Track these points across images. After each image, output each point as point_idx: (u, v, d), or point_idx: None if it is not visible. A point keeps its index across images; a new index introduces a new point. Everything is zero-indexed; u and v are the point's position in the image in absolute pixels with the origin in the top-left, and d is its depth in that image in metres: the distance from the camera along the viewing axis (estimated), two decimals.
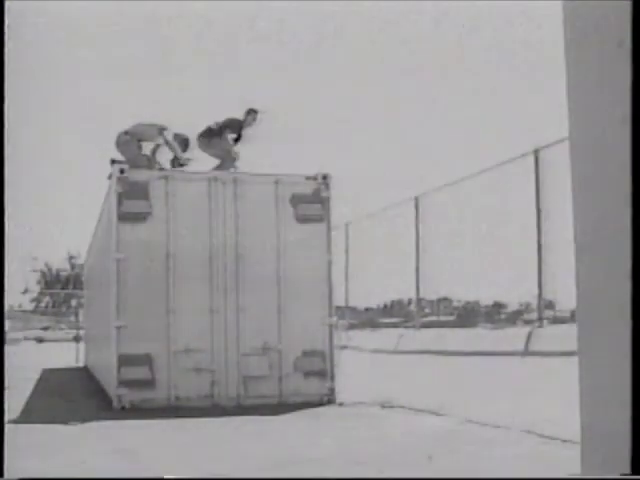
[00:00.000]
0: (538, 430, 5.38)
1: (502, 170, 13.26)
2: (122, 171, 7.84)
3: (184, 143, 8.84)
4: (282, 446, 5.29)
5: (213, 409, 7.45)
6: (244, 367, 7.80)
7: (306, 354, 7.98)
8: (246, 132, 8.98)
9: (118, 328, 7.69)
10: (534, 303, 12.58)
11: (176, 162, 8.72)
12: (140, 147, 8.70)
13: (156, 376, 7.69)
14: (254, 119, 8.97)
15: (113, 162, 8.55)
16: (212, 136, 8.80)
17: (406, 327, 18.18)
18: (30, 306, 58.67)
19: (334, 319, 8.29)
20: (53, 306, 57.78)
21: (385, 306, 23.21)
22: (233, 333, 7.82)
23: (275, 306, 7.94)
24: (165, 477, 4.31)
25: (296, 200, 8.08)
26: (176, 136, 8.80)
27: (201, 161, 8.85)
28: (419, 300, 17.14)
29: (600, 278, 1.93)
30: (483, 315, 19.65)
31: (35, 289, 62.81)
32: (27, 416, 7.08)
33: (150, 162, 8.69)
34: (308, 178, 8.17)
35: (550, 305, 12.61)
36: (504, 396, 7.58)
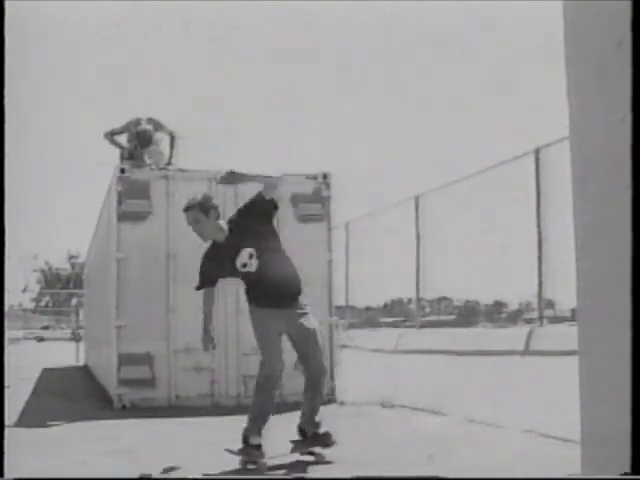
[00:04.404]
0: (538, 430, 5.39)
1: (503, 169, 13.26)
2: (122, 170, 7.84)
3: (140, 137, 8.57)
4: (282, 446, 5.28)
5: (213, 408, 7.45)
6: (244, 366, 7.79)
7: None
8: None
9: (118, 327, 7.69)
10: (534, 302, 12.58)
11: (124, 154, 8.58)
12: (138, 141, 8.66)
13: (156, 375, 7.69)
14: None
15: (122, 158, 8.59)
16: None
17: (406, 326, 18.18)
18: (30, 305, 58.65)
19: (334, 318, 8.29)
20: (53, 305, 57.74)
21: (385, 305, 23.20)
22: (233, 332, 7.81)
23: None
24: (165, 477, 4.31)
25: (296, 199, 8.07)
26: (135, 125, 8.64)
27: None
28: (419, 299, 17.14)
29: (600, 278, 1.93)
30: (483, 314, 19.65)
31: (35, 288, 62.82)
32: (27, 416, 7.08)
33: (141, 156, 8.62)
34: (308, 177, 8.16)
35: (550, 304, 12.61)
36: (504, 395, 7.58)
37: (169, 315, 7.75)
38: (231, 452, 4.64)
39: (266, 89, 77.78)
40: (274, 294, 4.80)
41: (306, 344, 4.91)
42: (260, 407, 4.82)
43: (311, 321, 4.94)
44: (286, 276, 4.84)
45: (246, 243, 4.75)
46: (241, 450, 4.64)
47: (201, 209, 4.78)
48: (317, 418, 4.96)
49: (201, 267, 4.89)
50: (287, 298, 4.85)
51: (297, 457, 4.83)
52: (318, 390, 4.98)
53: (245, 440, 4.69)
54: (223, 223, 4.86)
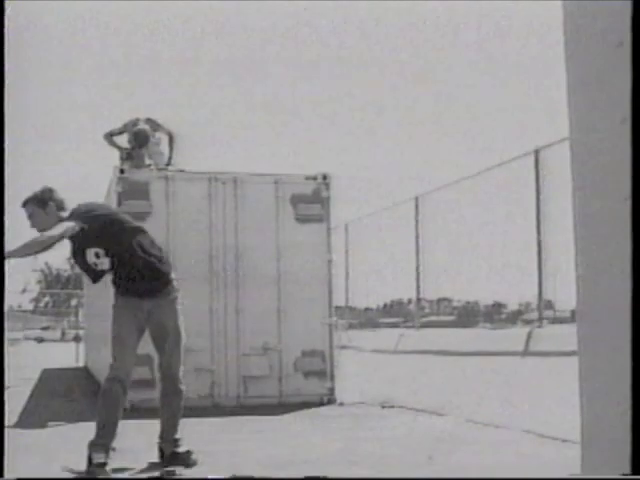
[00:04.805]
0: (538, 430, 5.39)
1: (502, 169, 13.28)
2: (122, 171, 7.84)
3: (138, 137, 8.53)
4: (282, 446, 5.29)
5: (213, 409, 7.44)
6: (244, 367, 7.79)
7: (306, 354, 7.97)
8: None
9: None
10: (534, 303, 12.59)
11: (123, 155, 8.62)
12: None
13: (156, 376, 7.67)
14: None
15: (122, 158, 8.61)
16: None
17: (406, 327, 18.20)
18: (29, 306, 58.66)
19: (334, 319, 8.29)
20: (53, 306, 57.74)
21: (385, 306, 23.23)
22: (233, 333, 7.82)
23: (275, 306, 7.94)
24: (166, 477, 4.31)
25: (296, 200, 8.08)
26: (133, 125, 8.67)
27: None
28: (419, 300, 17.14)
29: (600, 278, 1.92)
30: (483, 315, 19.68)
31: (35, 289, 62.84)
32: (27, 416, 7.08)
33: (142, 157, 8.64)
34: (308, 178, 8.16)
35: (550, 305, 12.63)
36: (504, 395, 7.58)
37: None
38: (72, 472, 4.21)
39: (266, 89, 77.81)
40: (133, 283, 4.47)
41: (162, 347, 4.58)
42: (105, 417, 4.42)
43: (176, 318, 4.56)
44: (143, 266, 4.45)
45: (88, 245, 4.41)
46: (86, 471, 4.18)
47: (37, 203, 4.45)
48: (176, 435, 4.52)
49: (79, 266, 4.56)
50: (148, 287, 4.49)
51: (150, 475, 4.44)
52: (172, 402, 4.57)
53: (88, 458, 4.23)
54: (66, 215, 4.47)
